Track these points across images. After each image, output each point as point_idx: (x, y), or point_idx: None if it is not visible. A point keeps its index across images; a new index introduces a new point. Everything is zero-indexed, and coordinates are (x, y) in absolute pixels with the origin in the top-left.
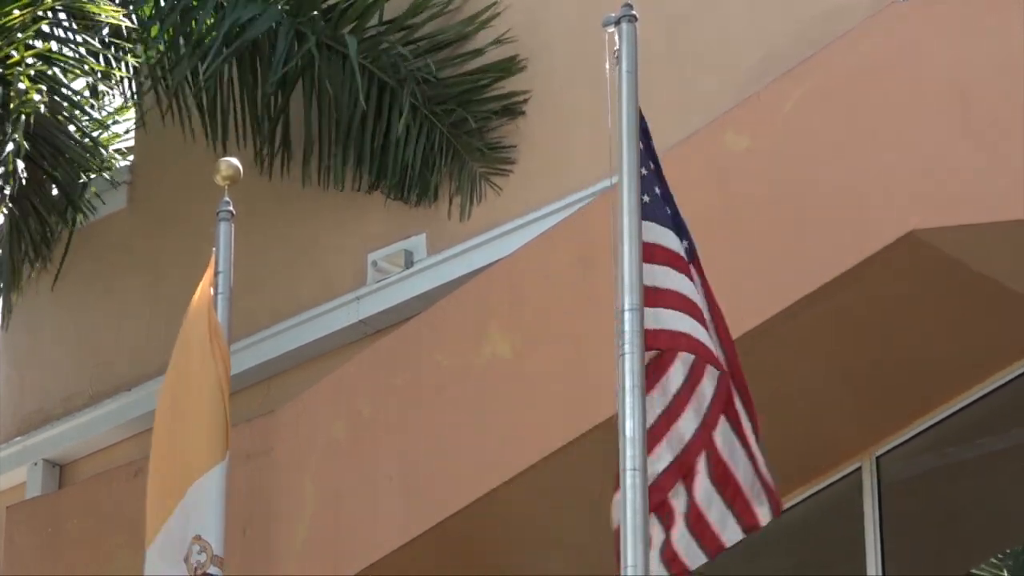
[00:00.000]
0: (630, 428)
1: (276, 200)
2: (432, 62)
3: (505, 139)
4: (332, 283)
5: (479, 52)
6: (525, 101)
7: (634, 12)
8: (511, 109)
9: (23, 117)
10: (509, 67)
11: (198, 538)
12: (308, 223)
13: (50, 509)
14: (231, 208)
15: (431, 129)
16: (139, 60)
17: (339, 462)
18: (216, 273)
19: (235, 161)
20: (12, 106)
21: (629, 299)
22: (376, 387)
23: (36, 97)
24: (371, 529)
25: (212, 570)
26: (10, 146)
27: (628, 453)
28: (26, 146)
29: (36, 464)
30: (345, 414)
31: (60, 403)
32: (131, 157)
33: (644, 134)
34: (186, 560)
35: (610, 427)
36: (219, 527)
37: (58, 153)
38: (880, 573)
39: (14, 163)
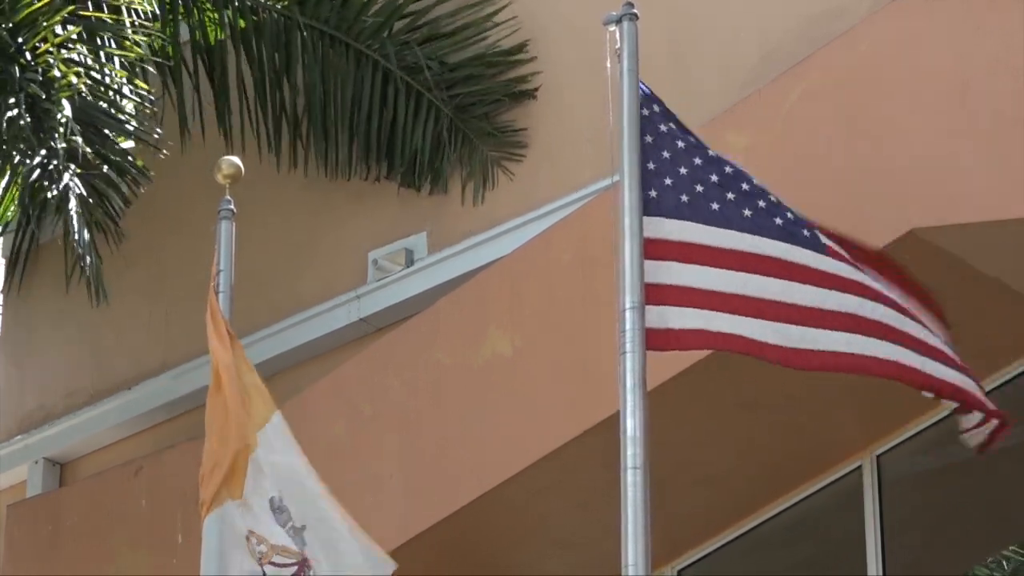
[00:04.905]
0: (631, 427)
1: (277, 198)
2: (437, 47)
3: (515, 122)
4: (333, 281)
5: (484, 38)
6: (536, 89)
7: (635, 10)
8: (522, 93)
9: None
10: (516, 52)
11: (252, 532)
12: (309, 221)
13: (50, 507)
14: (232, 207)
15: (438, 115)
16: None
17: (339, 460)
18: (217, 272)
19: (236, 159)
20: (54, 93)
21: (630, 297)
22: (376, 385)
23: (74, 80)
24: (371, 527)
25: (278, 559)
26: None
27: (629, 452)
28: (76, 127)
29: (36, 462)
30: (345, 412)
31: (61, 401)
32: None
33: (661, 119)
34: (247, 540)
35: (611, 426)
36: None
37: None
38: (881, 571)
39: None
